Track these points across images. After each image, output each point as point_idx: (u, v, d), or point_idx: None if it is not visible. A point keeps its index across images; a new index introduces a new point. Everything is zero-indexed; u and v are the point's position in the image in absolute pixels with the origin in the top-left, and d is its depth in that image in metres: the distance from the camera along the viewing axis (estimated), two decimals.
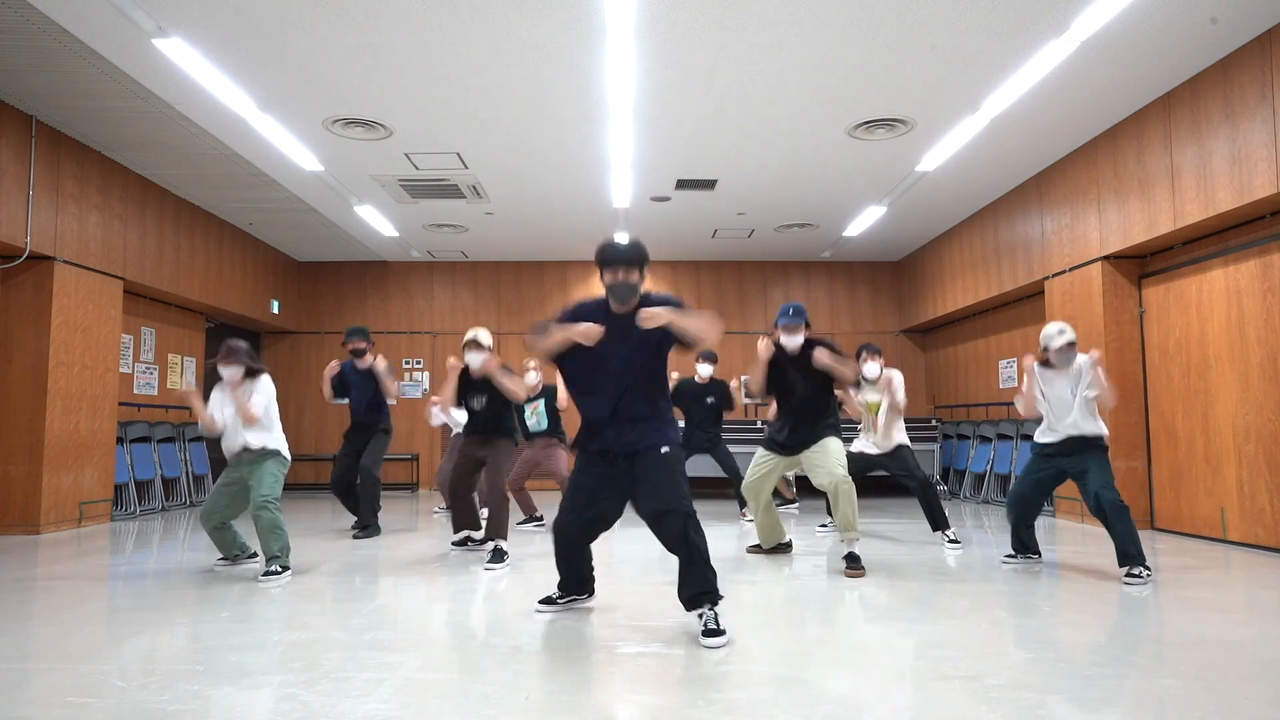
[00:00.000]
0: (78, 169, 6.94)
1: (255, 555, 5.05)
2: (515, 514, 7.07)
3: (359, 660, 2.96)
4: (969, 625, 3.47)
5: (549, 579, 4.65)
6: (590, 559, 3.82)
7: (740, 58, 5.53)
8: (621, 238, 3.52)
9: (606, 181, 8.17)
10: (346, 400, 6.66)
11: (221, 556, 4.98)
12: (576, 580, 3.80)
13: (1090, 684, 2.67)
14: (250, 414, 4.67)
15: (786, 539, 5.57)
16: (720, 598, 3.31)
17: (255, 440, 4.71)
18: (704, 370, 7.26)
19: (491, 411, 5.42)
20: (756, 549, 5.58)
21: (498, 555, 5.04)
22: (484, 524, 5.47)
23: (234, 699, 2.53)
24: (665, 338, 3.42)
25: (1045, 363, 4.75)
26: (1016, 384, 4.86)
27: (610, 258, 3.41)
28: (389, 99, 6.18)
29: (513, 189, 8.43)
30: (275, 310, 10.76)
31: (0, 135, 6.14)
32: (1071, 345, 4.63)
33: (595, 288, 11.55)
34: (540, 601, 3.80)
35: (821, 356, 4.79)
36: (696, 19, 5.03)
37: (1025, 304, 8.74)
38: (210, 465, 9.32)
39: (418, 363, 11.56)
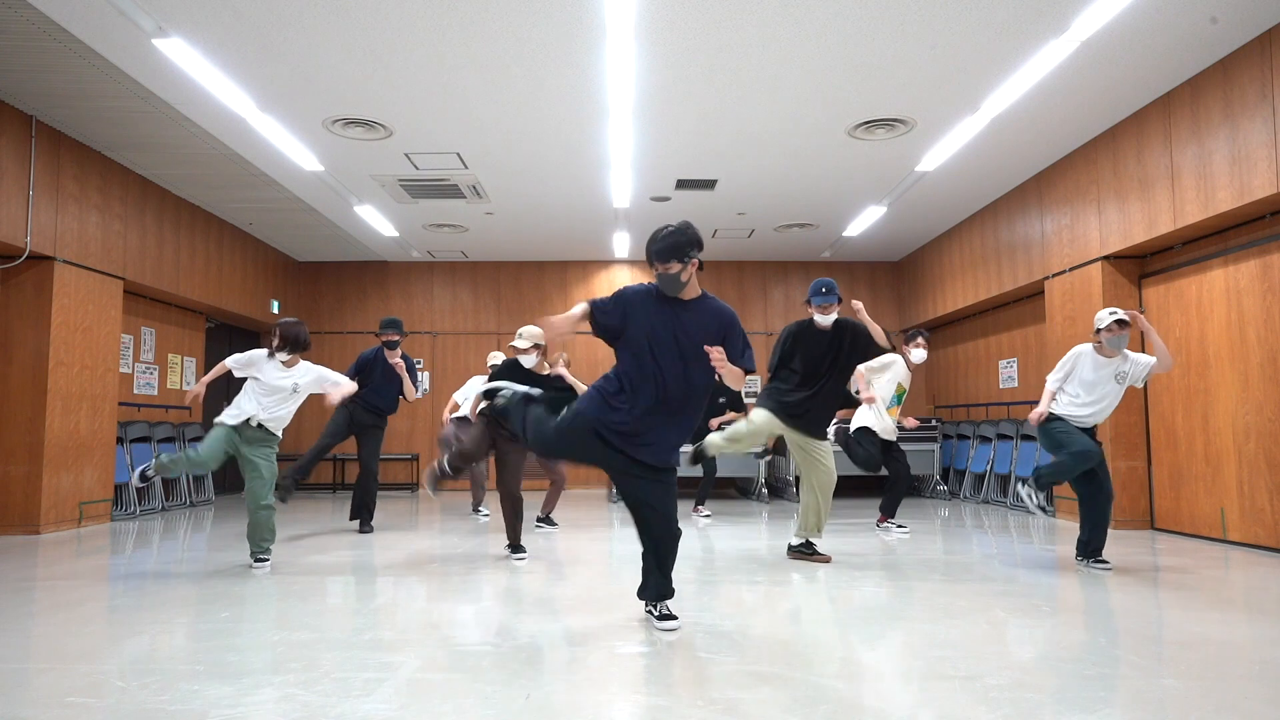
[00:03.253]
0: (78, 169, 6.94)
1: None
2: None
3: (359, 660, 2.96)
4: (969, 625, 3.47)
5: (548, 581, 4.66)
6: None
7: (740, 58, 5.53)
8: (662, 227, 3.45)
9: (606, 181, 8.17)
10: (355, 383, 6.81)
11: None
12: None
13: (1090, 684, 2.67)
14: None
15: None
16: (673, 593, 3.59)
17: (272, 427, 4.93)
18: None
19: None
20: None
21: (517, 548, 5.35)
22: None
23: (234, 699, 2.53)
24: (721, 339, 3.44)
25: (1097, 344, 4.83)
26: (1032, 398, 4.90)
27: (649, 254, 3.44)
28: (389, 99, 6.18)
29: (513, 189, 8.43)
30: (275, 310, 10.75)
31: (0, 135, 6.14)
32: (1123, 324, 4.69)
33: (595, 288, 11.57)
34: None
35: (875, 331, 4.90)
36: (696, 19, 5.03)
37: (1025, 304, 8.74)
38: None
39: (418, 363, 11.56)
